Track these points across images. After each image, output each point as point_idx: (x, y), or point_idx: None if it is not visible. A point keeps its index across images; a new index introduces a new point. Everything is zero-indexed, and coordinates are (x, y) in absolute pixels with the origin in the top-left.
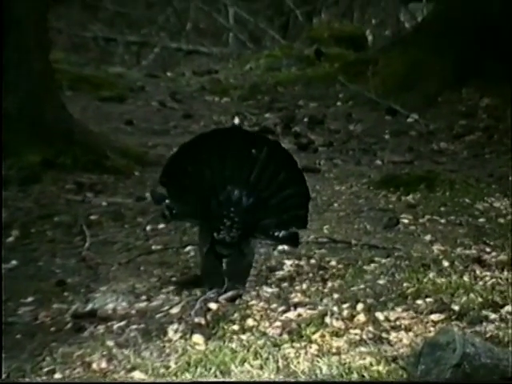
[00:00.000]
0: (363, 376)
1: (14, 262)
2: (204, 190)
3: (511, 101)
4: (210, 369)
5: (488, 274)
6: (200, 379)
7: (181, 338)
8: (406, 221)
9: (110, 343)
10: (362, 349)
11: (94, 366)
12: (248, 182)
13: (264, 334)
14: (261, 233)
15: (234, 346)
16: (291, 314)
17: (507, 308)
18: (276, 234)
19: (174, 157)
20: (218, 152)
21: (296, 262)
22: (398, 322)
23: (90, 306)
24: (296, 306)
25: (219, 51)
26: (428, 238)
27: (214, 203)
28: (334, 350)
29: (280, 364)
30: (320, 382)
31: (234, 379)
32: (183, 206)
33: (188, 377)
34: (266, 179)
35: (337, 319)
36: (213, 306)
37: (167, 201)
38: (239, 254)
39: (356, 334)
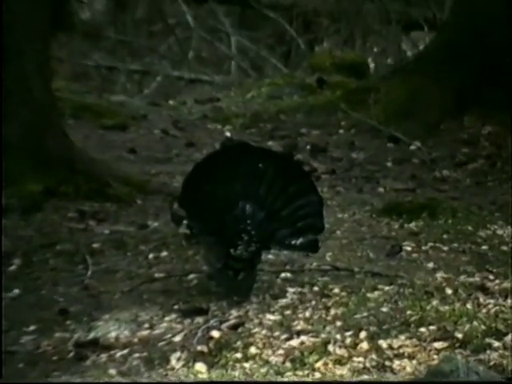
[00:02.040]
0: None
1: (16, 291)
2: (218, 208)
3: None
4: None
5: (491, 301)
6: None
7: (183, 366)
8: (408, 248)
9: (113, 372)
10: (365, 377)
11: None
12: (259, 196)
13: (267, 362)
14: (277, 244)
15: (236, 374)
16: (294, 342)
17: (511, 336)
18: (293, 242)
19: (189, 177)
20: (228, 169)
21: (299, 289)
22: (401, 350)
23: (92, 335)
24: (299, 333)
25: (221, 79)
26: (431, 265)
27: (229, 219)
28: (337, 378)
29: None
30: (320, 382)
31: None
32: (201, 224)
33: None
34: (276, 191)
35: (340, 347)
36: (215, 334)
37: (185, 221)
38: (251, 267)
39: (359, 362)
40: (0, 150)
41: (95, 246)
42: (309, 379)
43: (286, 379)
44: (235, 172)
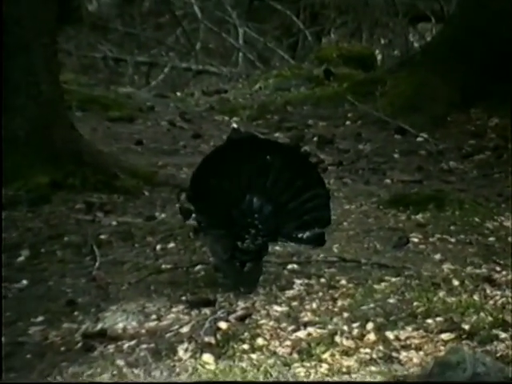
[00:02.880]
0: None
1: (24, 282)
2: (226, 201)
3: None
4: None
5: (498, 293)
6: None
7: (191, 357)
8: (415, 240)
9: (120, 363)
10: (373, 368)
11: None
12: (266, 189)
13: (274, 353)
14: (283, 237)
15: (244, 365)
16: (301, 333)
17: None
18: (300, 235)
19: (197, 171)
20: (235, 162)
21: (306, 281)
22: (408, 342)
23: (99, 326)
24: (306, 325)
25: (228, 71)
26: (438, 257)
27: (236, 213)
28: (344, 370)
29: None
30: (320, 382)
31: None
32: (209, 218)
33: None
34: (283, 184)
35: (347, 338)
36: (223, 325)
37: (194, 215)
38: (258, 259)
39: (366, 354)
40: (0, 145)
41: (103, 237)
42: (316, 370)
43: (293, 370)
44: (242, 165)
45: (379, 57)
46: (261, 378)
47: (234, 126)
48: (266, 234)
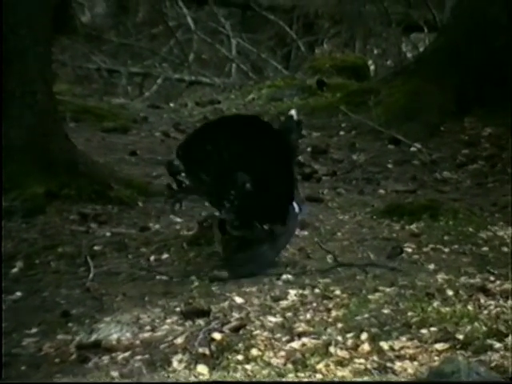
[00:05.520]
0: None
1: (18, 294)
2: (215, 170)
3: None
4: None
5: (492, 302)
6: None
7: (185, 368)
8: (409, 250)
9: (115, 374)
10: (367, 378)
11: None
12: (255, 170)
13: (268, 363)
14: (258, 221)
15: (238, 376)
16: (295, 344)
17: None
18: (264, 226)
19: (195, 134)
20: (235, 136)
21: (300, 291)
22: (402, 352)
23: (94, 337)
24: (300, 335)
25: (222, 82)
26: (432, 266)
27: (220, 184)
28: (338, 380)
29: None
30: (319, 383)
31: None
32: (195, 181)
33: None
34: (271, 170)
35: (341, 349)
36: (217, 336)
37: (182, 174)
38: (244, 240)
39: (360, 364)
40: (0, 153)
41: (97, 248)
42: (310, 381)
43: (287, 381)
44: (240, 140)
45: (372, 67)
46: None
47: (293, 112)
48: (237, 211)
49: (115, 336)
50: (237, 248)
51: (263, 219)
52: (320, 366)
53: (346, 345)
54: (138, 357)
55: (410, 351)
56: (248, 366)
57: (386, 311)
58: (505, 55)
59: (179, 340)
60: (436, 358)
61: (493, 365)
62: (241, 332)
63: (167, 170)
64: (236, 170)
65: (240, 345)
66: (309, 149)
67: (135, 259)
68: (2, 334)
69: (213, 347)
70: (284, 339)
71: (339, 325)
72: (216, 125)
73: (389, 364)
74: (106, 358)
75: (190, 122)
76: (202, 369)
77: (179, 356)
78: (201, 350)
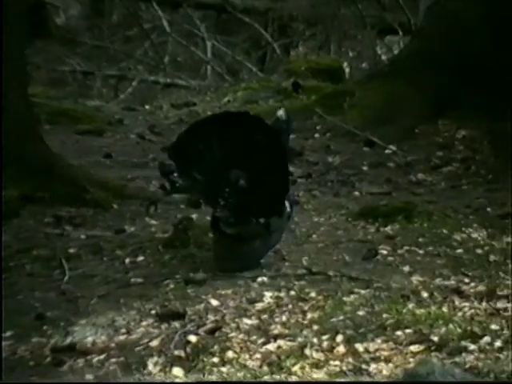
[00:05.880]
0: None
1: None
2: (208, 168)
3: (488, 132)
4: None
5: (467, 304)
6: None
7: (160, 370)
8: (384, 252)
9: (90, 377)
10: (342, 380)
11: None
12: (248, 166)
13: (244, 366)
14: (254, 217)
15: (214, 378)
16: (271, 346)
17: (486, 339)
18: (260, 220)
19: (186, 133)
20: (228, 134)
21: (276, 293)
22: (377, 354)
23: (69, 340)
24: (276, 337)
25: (197, 84)
26: (407, 269)
27: (213, 182)
28: (314, 382)
29: None
30: (319, 382)
31: None
32: (188, 180)
33: None
34: (265, 166)
35: (316, 351)
36: (192, 338)
37: (174, 174)
38: (239, 236)
39: (336, 366)
40: (0, 153)
41: (72, 251)
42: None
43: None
44: (232, 137)
45: (347, 69)
46: None
47: (281, 112)
48: (233, 208)
49: (90, 339)
50: (229, 245)
51: (259, 214)
52: (295, 368)
53: (322, 347)
54: (113, 359)
55: (385, 353)
56: (223, 369)
57: (361, 313)
58: (479, 58)
59: (155, 342)
60: (411, 359)
61: (467, 366)
62: (216, 334)
63: (159, 170)
64: (229, 168)
65: (215, 347)
66: None
67: (110, 262)
68: (1, 334)
69: (188, 350)
70: (259, 341)
71: (315, 327)
72: (206, 122)
73: (364, 366)
74: (80, 361)
75: (165, 124)
76: (177, 371)
77: (155, 359)
78: (176, 352)
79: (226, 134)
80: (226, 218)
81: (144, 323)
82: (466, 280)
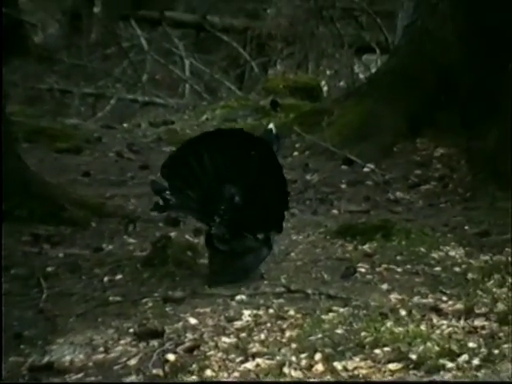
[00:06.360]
0: None
1: None
2: (202, 186)
3: (465, 150)
4: None
5: (445, 322)
6: None
7: None
8: (363, 270)
9: None
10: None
11: None
12: (243, 183)
13: None
14: (249, 232)
15: None
16: (249, 365)
17: (464, 357)
18: (258, 235)
19: (179, 151)
20: (220, 151)
21: (254, 311)
22: (355, 372)
23: (46, 359)
24: (254, 356)
25: (175, 102)
26: (385, 287)
27: (207, 199)
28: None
29: None
30: (319, 382)
31: None
32: (181, 198)
33: None
34: (258, 182)
35: (295, 369)
36: (171, 357)
37: (167, 192)
38: (233, 252)
39: None
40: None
41: (50, 269)
42: None
43: None
44: (225, 153)
45: (325, 88)
46: None
47: (271, 126)
48: (229, 224)
49: (68, 358)
50: (222, 261)
51: (257, 229)
52: None
53: (300, 365)
54: (91, 378)
55: (364, 371)
56: None
57: (339, 331)
58: (455, 76)
59: (133, 361)
60: (389, 377)
61: None
62: (195, 353)
63: (152, 189)
64: (222, 184)
65: (194, 366)
66: None
67: (88, 280)
68: (1, 334)
69: (167, 368)
70: (238, 360)
71: (293, 345)
72: (198, 141)
73: None
74: (58, 380)
75: (143, 142)
76: None
77: (133, 377)
78: (155, 371)
79: (218, 150)
80: (222, 235)
81: (122, 342)
82: (444, 298)
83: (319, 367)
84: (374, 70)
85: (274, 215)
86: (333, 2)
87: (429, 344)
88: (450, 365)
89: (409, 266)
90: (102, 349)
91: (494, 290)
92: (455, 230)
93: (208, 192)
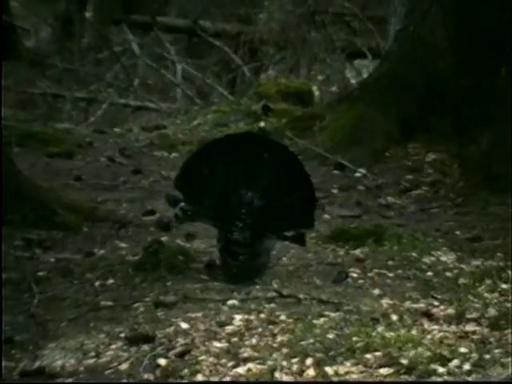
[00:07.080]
0: None
1: None
2: (218, 193)
3: (457, 155)
4: None
5: (436, 327)
6: None
7: None
8: (354, 275)
9: None
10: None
11: None
12: (260, 185)
13: None
14: (272, 233)
15: None
16: (241, 369)
17: (455, 362)
18: (285, 233)
19: (190, 161)
20: (230, 154)
21: (246, 316)
22: (347, 376)
23: (38, 364)
24: (246, 360)
25: (167, 107)
26: (376, 291)
27: (226, 205)
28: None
29: None
30: (319, 382)
31: None
32: (197, 207)
33: None
34: (275, 182)
35: (286, 374)
36: (162, 361)
37: (182, 204)
38: (253, 254)
39: None
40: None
41: (41, 274)
42: None
43: None
44: (237, 158)
45: (317, 93)
46: None
47: (262, 125)
48: (252, 228)
49: (59, 362)
50: (242, 263)
51: (286, 227)
52: None
53: (292, 370)
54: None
55: (355, 376)
56: None
57: (330, 336)
58: (447, 81)
59: (124, 366)
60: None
61: None
62: (186, 358)
63: (167, 201)
64: (238, 189)
65: (185, 370)
66: None
67: (80, 285)
68: (1, 334)
69: (158, 373)
70: (229, 364)
71: (284, 350)
72: (208, 149)
73: None
74: None
75: (135, 147)
76: None
77: (124, 382)
78: (146, 375)
79: (231, 156)
80: (244, 239)
81: (113, 346)
82: (436, 303)
83: (310, 372)
84: (365, 75)
85: (303, 212)
86: (325, 7)
87: (420, 349)
88: (441, 370)
89: (400, 271)
90: (93, 353)
91: (486, 295)
92: (447, 235)
93: (224, 199)
